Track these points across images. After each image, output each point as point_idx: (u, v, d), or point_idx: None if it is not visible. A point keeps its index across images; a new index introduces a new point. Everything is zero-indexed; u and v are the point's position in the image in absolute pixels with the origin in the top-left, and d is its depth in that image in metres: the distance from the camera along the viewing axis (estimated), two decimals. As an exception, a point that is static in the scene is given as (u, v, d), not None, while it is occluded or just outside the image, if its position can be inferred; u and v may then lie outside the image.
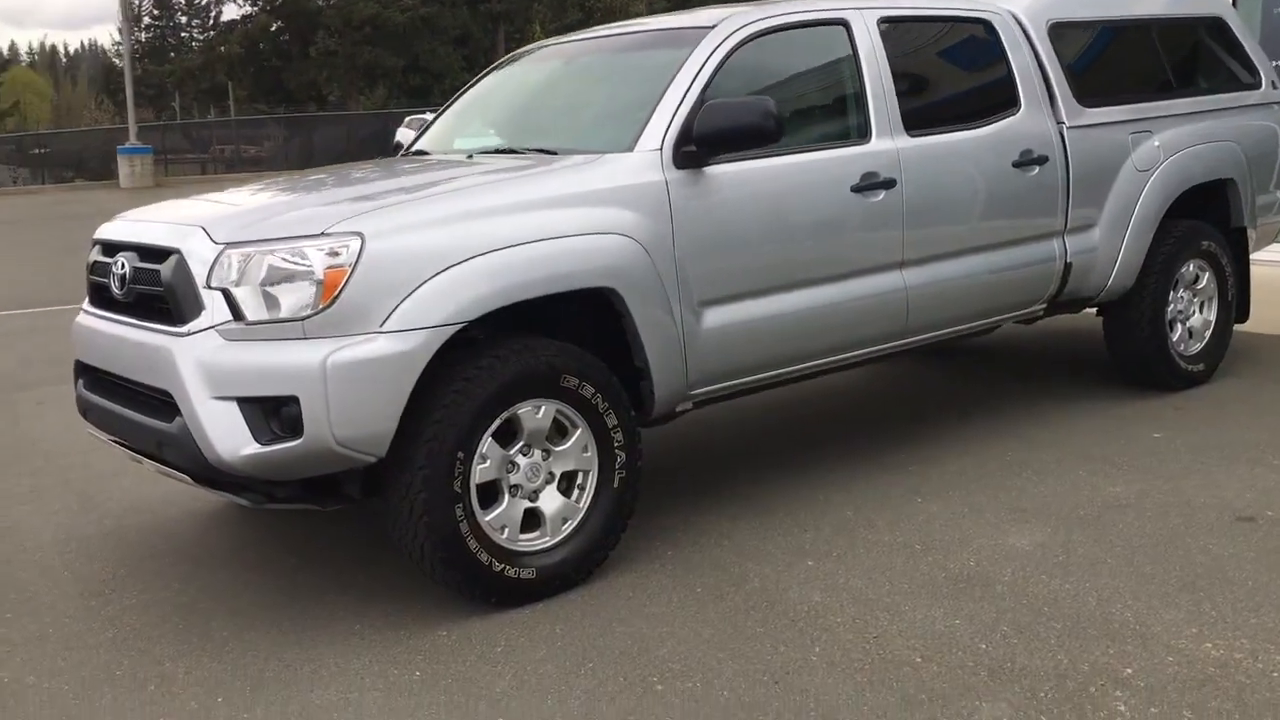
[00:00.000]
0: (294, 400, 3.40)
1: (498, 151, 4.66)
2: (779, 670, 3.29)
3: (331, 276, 3.44)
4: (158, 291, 3.71)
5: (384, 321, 3.46)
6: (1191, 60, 6.34)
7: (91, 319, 4.15)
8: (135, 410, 3.81)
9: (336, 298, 3.44)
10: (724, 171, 4.25)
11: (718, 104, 4.14)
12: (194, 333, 3.56)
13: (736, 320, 4.28)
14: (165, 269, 3.68)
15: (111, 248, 4.09)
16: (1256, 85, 6.35)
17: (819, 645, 3.42)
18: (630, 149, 4.14)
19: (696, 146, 4.14)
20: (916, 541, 4.18)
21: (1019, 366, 6.83)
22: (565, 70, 5.15)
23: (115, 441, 4.05)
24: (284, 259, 3.48)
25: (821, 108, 4.89)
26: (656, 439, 5.03)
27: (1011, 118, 5.22)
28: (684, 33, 4.58)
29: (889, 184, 4.67)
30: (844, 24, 4.77)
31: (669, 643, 3.49)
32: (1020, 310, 5.41)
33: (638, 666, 3.35)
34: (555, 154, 4.34)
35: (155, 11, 63.04)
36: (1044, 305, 5.51)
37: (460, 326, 3.56)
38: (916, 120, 4.89)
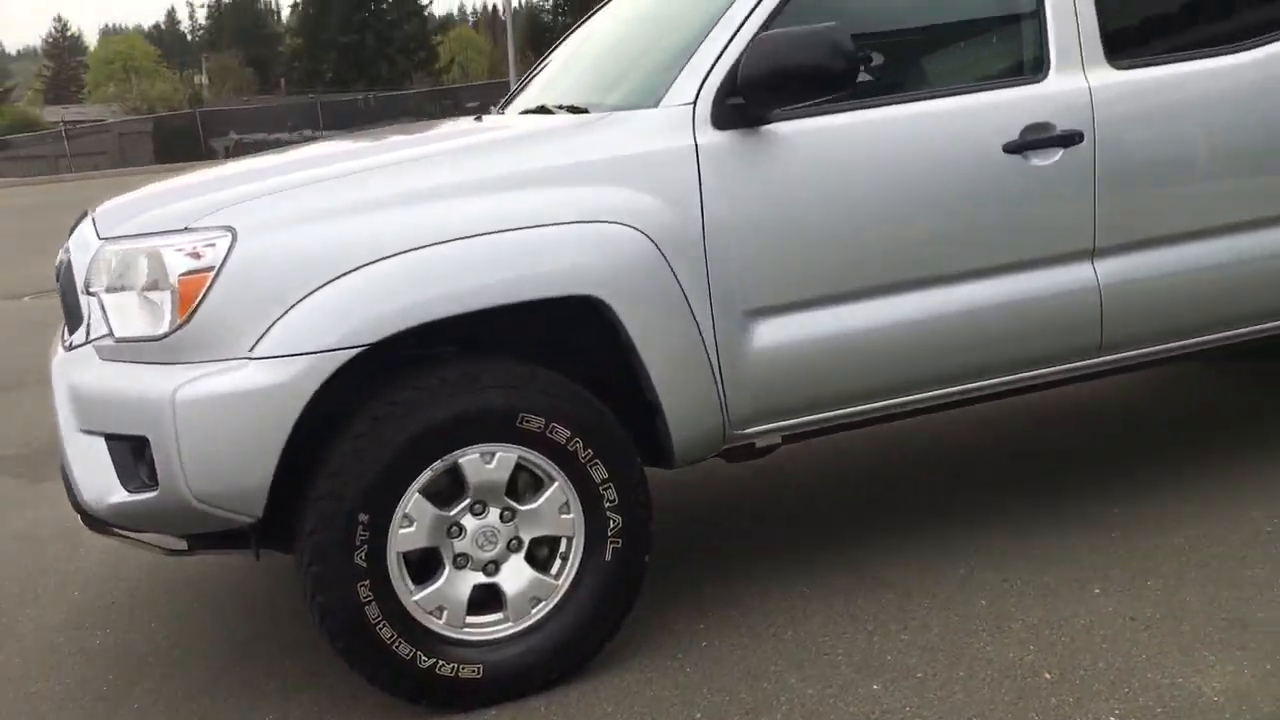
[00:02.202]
0: (145, 441, 2.68)
1: (535, 110, 3.69)
2: None
3: (189, 284, 2.67)
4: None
5: (255, 344, 2.65)
6: None
7: None
8: None
9: (195, 311, 2.66)
10: (794, 131, 3.08)
11: (770, 36, 2.98)
12: (73, 348, 2.94)
13: (811, 335, 3.12)
14: (59, 266, 3.08)
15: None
16: None
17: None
18: (656, 104, 3.07)
19: (744, 98, 3.01)
20: (1047, 665, 2.88)
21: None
22: (650, 3, 4.06)
23: None
24: (144, 260, 2.74)
25: (966, 33, 3.53)
26: (687, 479, 3.94)
27: (1291, 37, 3.59)
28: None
29: (1070, 139, 3.28)
30: (1018, -86, 3.39)
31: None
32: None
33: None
34: (585, 111, 3.34)
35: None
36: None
37: (360, 350, 2.67)
38: (1130, 45, 3.45)
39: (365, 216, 2.76)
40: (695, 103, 3.02)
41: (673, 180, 2.96)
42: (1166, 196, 3.44)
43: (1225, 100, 3.48)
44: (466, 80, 62.12)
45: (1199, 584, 3.23)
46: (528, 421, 2.83)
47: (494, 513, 2.89)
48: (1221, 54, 3.51)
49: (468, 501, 2.86)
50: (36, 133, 52.16)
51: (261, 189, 2.86)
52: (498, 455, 2.84)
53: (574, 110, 3.39)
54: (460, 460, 2.81)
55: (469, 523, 2.87)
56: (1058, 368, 3.49)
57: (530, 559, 2.95)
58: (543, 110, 3.59)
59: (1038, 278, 3.34)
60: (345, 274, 2.67)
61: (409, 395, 2.76)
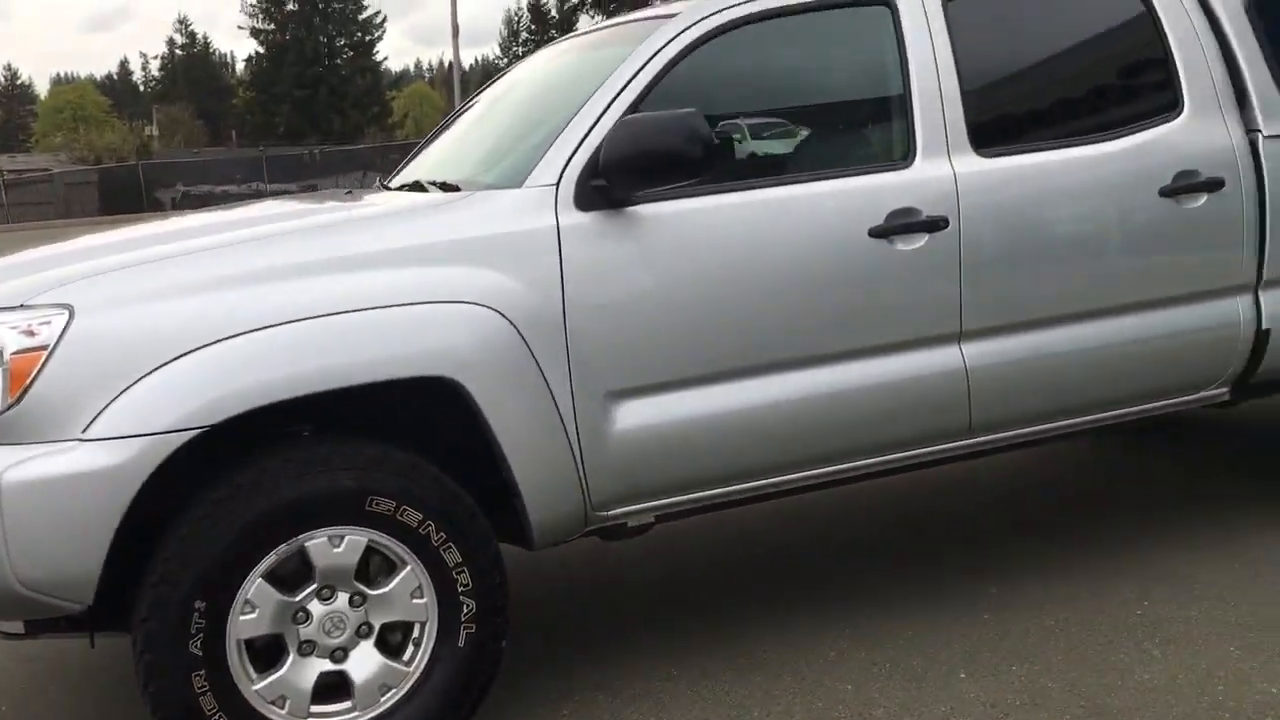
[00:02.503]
0: (-28, 525, 2.60)
1: (410, 186, 3.67)
2: None
3: (21, 363, 2.60)
4: None
5: (89, 426, 2.59)
6: None
7: None
8: None
9: (27, 391, 2.59)
10: (658, 213, 3.08)
11: (630, 120, 3.00)
12: None
13: (674, 417, 3.11)
14: None
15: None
16: None
17: None
18: (521, 184, 3.07)
19: (606, 180, 3.01)
20: (903, 756, 2.85)
21: (1204, 453, 5.10)
22: (534, 75, 4.07)
23: None
24: (-22, 339, 2.67)
25: (839, 120, 3.58)
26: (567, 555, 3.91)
27: (1164, 126, 3.66)
28: (644, 25, 3.44)
29: (936, 224, 3.32)
30: (887, 4, 3.43)
31: None
32: (1174, 399, 3.81)
33: None
34: (456, 189, 3.33)
35: (533, 26, 67.05)
36: (1224, 389, 3.88)
37: (198, 433, 2.62)
38: (996, 133, 3.50)
39: (210, 294, 2.72)
40: (558, 184, 3.03)
41: (533, 261, 2.95)
42: (1032, 281, 3.47)
43: (1088, 189, 3.53)
44: (420, 135, 62.27)
45: (1063, 670, 3.22)
46: (378, 504, 2.78)
47: (343, 597, 2.83)
48: (1086, 144, 3.58)
49: (314, 586, 2.80)
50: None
51: (106, 265, 2.82)
52: (347, 538, 2.79)
53: (446, 187, 3.38)
54: (307, 544, 2.75)
55: (315, 608, 2.80)
56: (929, 449, 3.49)
57: (382, 644, 2.89)
58: (417, 187, 3.58)
59: (905, 360, 3.36)
60: (185, 354, 2.63)
61: (251, 477, 2.71)
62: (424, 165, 3.97)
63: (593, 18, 43.09)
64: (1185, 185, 3.61)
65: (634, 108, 3.11)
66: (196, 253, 2.90)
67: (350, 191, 3.99)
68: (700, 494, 3.25)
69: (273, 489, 2.71)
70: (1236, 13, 3.81)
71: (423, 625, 2.89)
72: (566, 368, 2.96)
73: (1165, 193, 3.59)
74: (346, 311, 2.76)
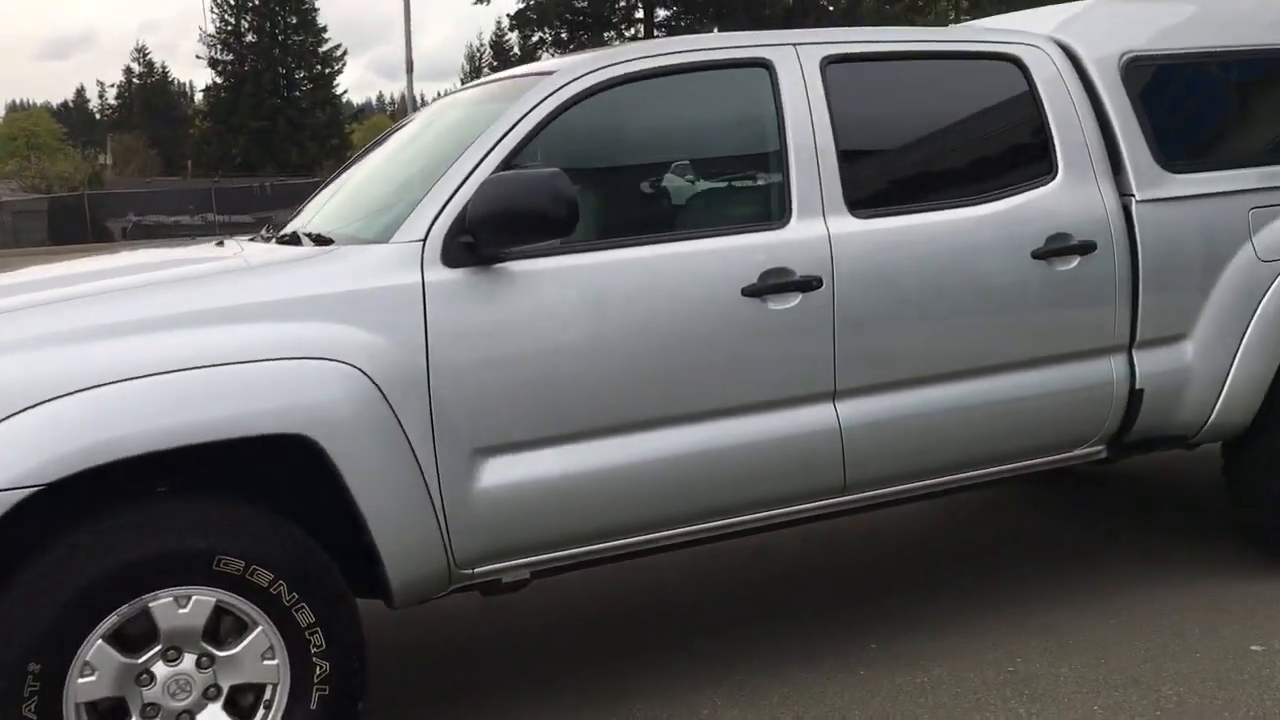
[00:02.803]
0: None
1: (288, 238, 3.66)
2: None
3: None
4: None
5: None
6: None
7: None
8: None
9: None
10: (527, 270, 3.09)
11: (496, 178, 3.02)
12: None
13: (541, 474, 3.11)
14: None
15: None
16: None
17: None
18: (389, 239, 3.07)
19: (474, 237, 3.02)
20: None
21: (1093, 501, 5.15)
22: (426, 126, 4.07)
23: None
24: None
25: (716, 180, 3.62)
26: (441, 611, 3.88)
27: (1037, 190, 3.72)
28: (524, 81, 3.46)
29: (809, 284, 3.35)
30: (765, 65, 3.48)
31: None
32: (1051, 456, 3.86)
33: None
34: (330, 242, 3.33)
35: (494, 63, 67.22)
36: (1100, 447, 3.93)
37: (32, 492, 2.58)
38: (872, 195, 3.55)
39: (58, 348, 2.69)
40: (425, 240, 3.03)
41: (396, 317, 2.95)
42: (905, 341, 3.51)
43: (961, 251, 3.58)
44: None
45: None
46: (226, 564, 2.75)
47: (189, 659, 2.79)
48: (960, 206, 3.63)
49: (159, 648, 2.75)
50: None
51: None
52: (194, 599, 2.75)
53: (320, 240, 3.37)
54: (150, 604, 2.71)
55: (160, 670, 2.76)
56: (804, 506, 3.51)
57: (232, 707, 2.84)
58: (294, 238, 3.56)
59: (779, 418, 3.38)
60: (20, 411, 2.59)
61: (88, 538, 2.67)
62: (310, 214, 3.96)
63: (552, 55, 43.38)
64: (1057, 248, 3.67)
65: (506, 165, 3.12)
66: (49, 304, 2.88)
67: (221, 242, 3.96)
68: (572, 551, 3.24)
69: (111, 549, 2.67)
70: (1113, 83, 3.89)
71: (274, 687, 2.86)
72: (429, 425, 2.95)
73: (1038, 255, 3.65)
74: (198, 367, 2.75)
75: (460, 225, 3.03)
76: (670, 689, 3.55)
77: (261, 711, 2.86)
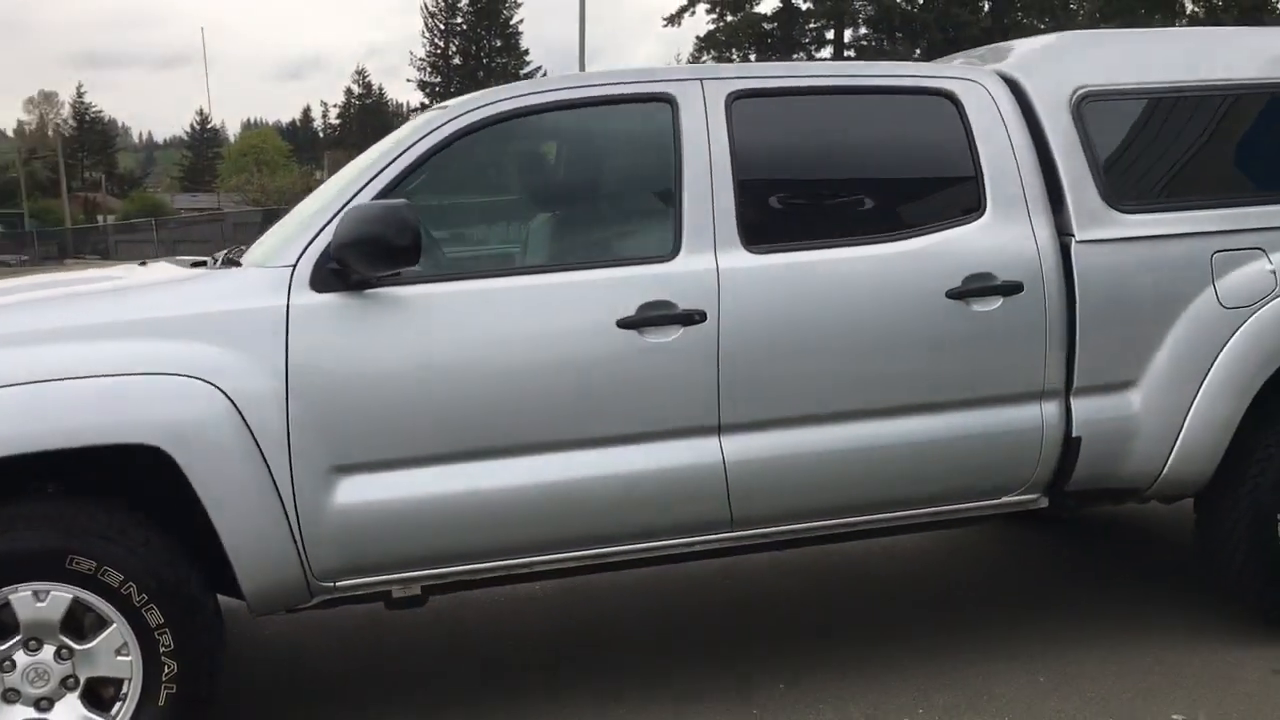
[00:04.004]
0: None
1: (203, 262, 3.86)
2: None
3: None
4: None
5: None
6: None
7: None
8: None
9: None
10: (401, 297, 3.22)
11: (354, 207, 3.15)
12: None
13: (400, 494, 3.21)
14: None
15: None
16: None
17: None
18: (265, 264, 3.26)
19: (339, 263, 3.16)
20: None
21: (1070, 552, 4.87)
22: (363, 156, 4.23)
23: None
24: None
25: (606, 212, 3.65)
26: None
27: (960, 228, 3.61)
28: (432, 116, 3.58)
29: (692, 318, 3.35)
30: (668, 100, 3.50)
31: None
32: (973, 503, 3.71)
33: None
34: (238, 265, 3.53)
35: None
36: (1034, 496, 3.77)
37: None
38: (773, 231, 3.53)
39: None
40: (296, 265, 3.19)
41: (259, 338, 3.11)
42: (799, 378, 3.46)
43: (864, 288, 3.50)
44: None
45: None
46: (78, 563, 2.97)
47: (49, 650, 3.02)
48: (869, 243, 3.55)
49: (19, 638, 2.99)
50: (160, 217, 54.91)
51: None
52: (51, 594, 2.98)
53: (230, 263, 3.58)
54: (10, 597, 2.96)
55: (20, 658, 3.00)
56: (691, 539, 3.50)
57: (94, 697, 3.06)
58: (205, 263, 3.77)
59: (658, 449, 3.38)
60: None
61: (-58, 534, 2.92)
62: (263, 240, 4.19)
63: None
64: (977, 288, 3.55)
65: (384, 195, 3.25)
66: None
67: (144, 262, 4.22)
68: (444, 570, 3.33)
69: (-28, 544, 2.92)
70: (1061, 119, 3.73)
71: (129, 682, 3.06)
72: (286, 443, 3.10)
73: (953, 295, 3.53)
74: (64, 379, 2.98)
75: (330, 252, 3.18)
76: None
77: (118, 705, 3.06)
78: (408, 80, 64.20)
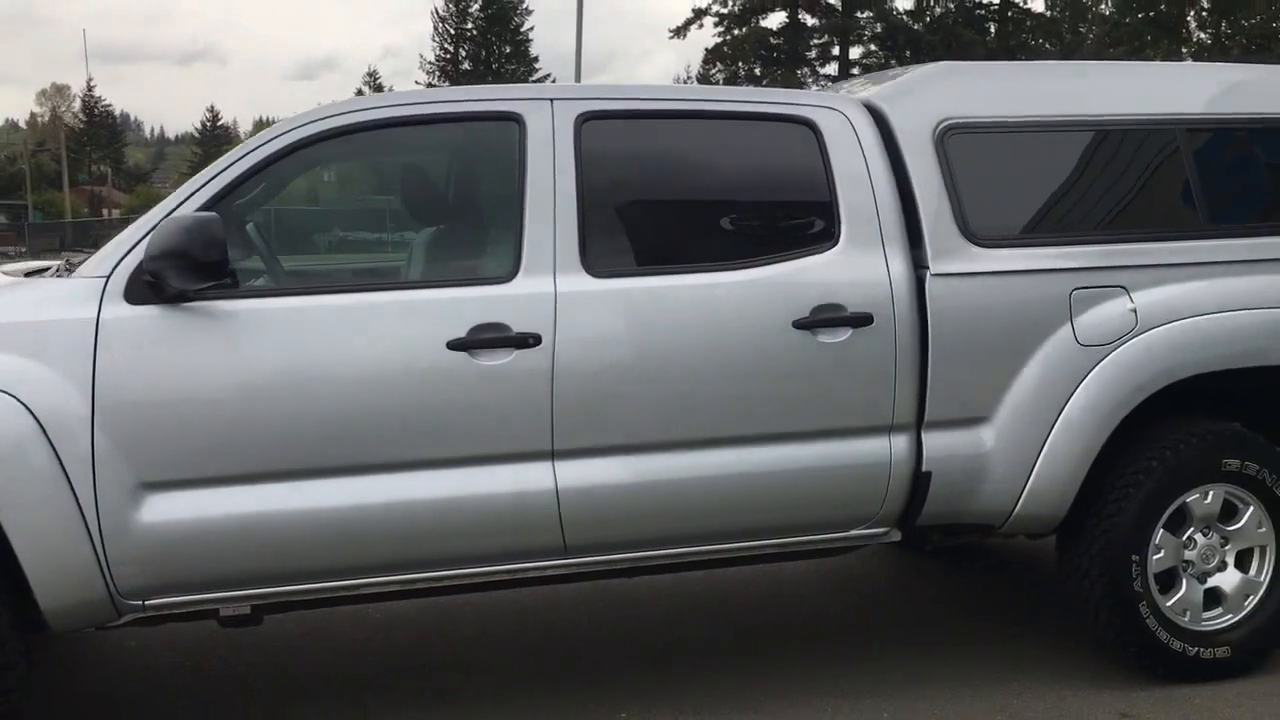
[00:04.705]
0: None
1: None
2: None
3: None
4: None
5: None
6: (1263, 180, 4.12)
7: None
8: None
9: None
10: (218, 311, 3.18)
11: (166, 220, 3.12)
12: None
13: (209, 513, 3.17)
14: None
15: None
16: None
17: None
18: (86, 274, 3.22)
19: (153, 275, 3.12)
20: None
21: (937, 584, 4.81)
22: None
23: None
24: None
25: (447, 232, 3.61)
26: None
27: (812, 258, 3.57)
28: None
29: (526, 341, 3.31)
30: (516, 119, 3.46)
31: None
32: (820, 534, 3.66)
33: None
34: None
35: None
36: (886, 528, 3.71)
37: None
38: (616, 255, 3.49)
39: None
40: (109, 276, 3.16)
41: (64, 350, 3.07)
42: (637, 405, 3.41)
43: (707, 316, 3.46)
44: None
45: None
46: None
47: None
48: (715, 271, 3.51)
49: None
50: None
51: None
52: None
53: (68, 271, 3.54)
54: None
55: None
56: (526, 565, 3.45)
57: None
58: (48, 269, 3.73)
59: (487, 473, 3.34)
60: None
61: None
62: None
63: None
64: (825, 319, 3.51)
65: (210, 206, 3.21)
66: None
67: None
68: (261, 590, 3.28)
69: None
70: (923, 151, 3.69)
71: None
72: (90, 457, 3.06)
73: (801, 325, 3.49)
74: None
75: (143, 264, 3.13)
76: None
77: None
78: (416, 83, 64.14)
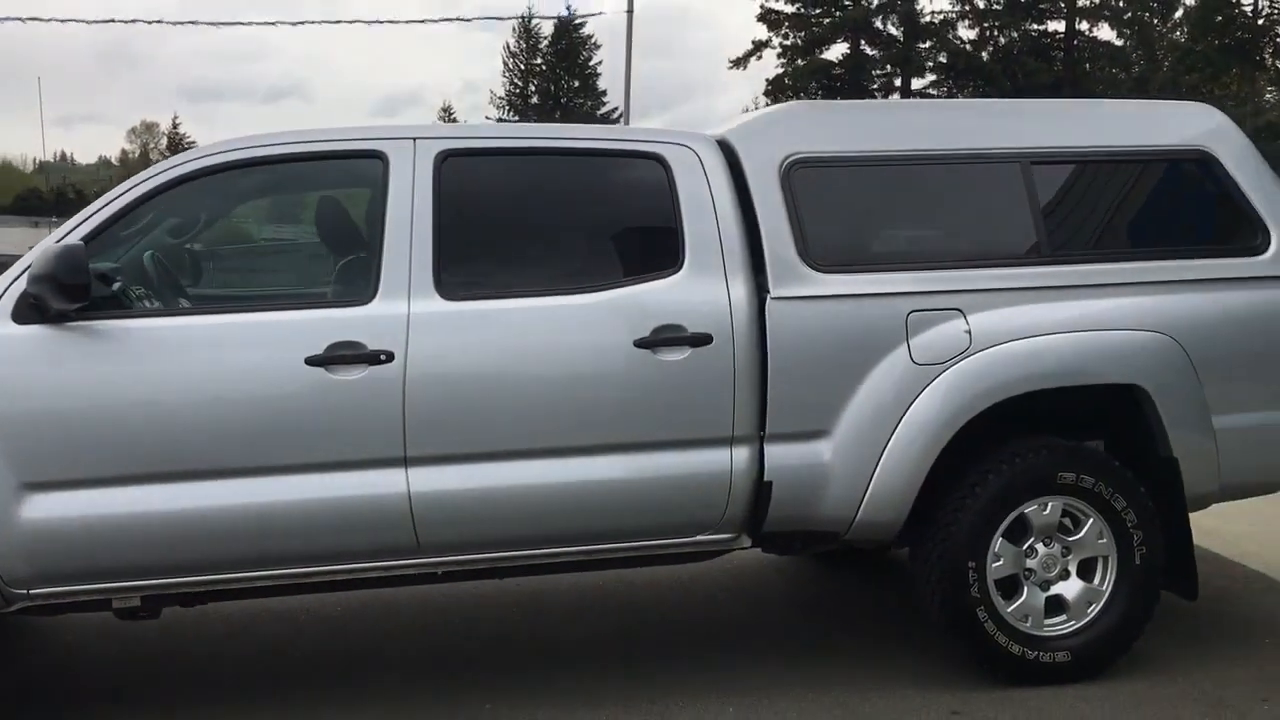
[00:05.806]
0: None
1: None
2: None
3: None
4: None
5: None
6: (1138, 209, 4.32)
7: None
8: None
9: None
10: (98, 330, 3.57)
11: (46, 247, 3.51)
12: None
13: (87, 511, 3.53)
14: None
15: None
16: (1258, 248, 4.19)
17: None
18: (-3, 294, 3.62)
19: (35, 297, 3.51)
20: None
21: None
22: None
23: None
24: None
25: (314, 260, 3.95)
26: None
27: (655, 282, 3.86)
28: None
29: (378, 358, 3.64)
30: (380, 157, 3.81)
31: None
32: (667, 539, 3.92)
33: None
34: None
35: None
36: (732, 534, 3.96)
37: None
38: (472, 281, 3.82)
39: None
40: (0, 296, 3.54)
41: (-43, 364, 3.47)
42: (484, 416, 3.71)
43: (553, 336, 3.76)
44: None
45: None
46: None
47: None
48: (563, 294, 3.82)
49: None
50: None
51: None
52: None
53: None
54: None
55: None
56: (380, 564, 3.76)
57: None
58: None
59: (346, 479, 3.66)
60: None
61: None
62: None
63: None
64: (666, 339, 3.79)
65: (94, 236, 3.61)
66: None
67: None
68: (140, 583, 3.64)
69: None
70: (769, 184, 3.97)
71: None
72: (-23, 461, 3.44)
73: (641, 344, 3.77)
74: None
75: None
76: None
77: None
78: (486, 118, 65.33)
